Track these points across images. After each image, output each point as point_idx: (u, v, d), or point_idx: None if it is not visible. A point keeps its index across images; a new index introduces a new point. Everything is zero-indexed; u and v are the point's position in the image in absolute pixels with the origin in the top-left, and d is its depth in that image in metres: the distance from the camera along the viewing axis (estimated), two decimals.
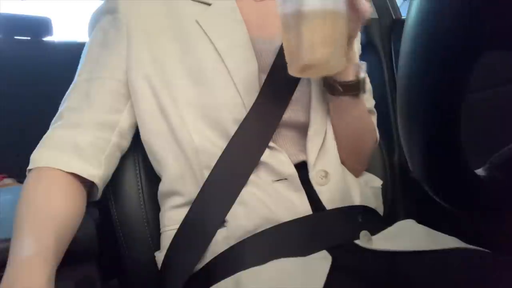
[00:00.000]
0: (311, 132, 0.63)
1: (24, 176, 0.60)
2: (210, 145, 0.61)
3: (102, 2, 0.69)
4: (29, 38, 2.00)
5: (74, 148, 0.60)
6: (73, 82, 0.66)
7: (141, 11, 0.65)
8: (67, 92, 0.66)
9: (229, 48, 0.62)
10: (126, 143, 0.68)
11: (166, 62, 0.63)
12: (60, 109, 0.65)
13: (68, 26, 3.24)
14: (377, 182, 0.73)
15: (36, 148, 0.61)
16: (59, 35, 2.13)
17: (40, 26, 2.03)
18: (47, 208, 0.55)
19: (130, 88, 0.64)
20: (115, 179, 0.71)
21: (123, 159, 0.71)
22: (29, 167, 0.60)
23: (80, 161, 0.60)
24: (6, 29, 1.96)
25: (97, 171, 0.62)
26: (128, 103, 0.65)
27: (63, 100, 0.66)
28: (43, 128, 0.65)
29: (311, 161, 0.62)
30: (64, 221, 0.55)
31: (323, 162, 0.62)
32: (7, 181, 1.47)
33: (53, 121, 0.65)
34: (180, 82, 0.62)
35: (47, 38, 2.04)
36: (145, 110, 0.64)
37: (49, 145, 0.61)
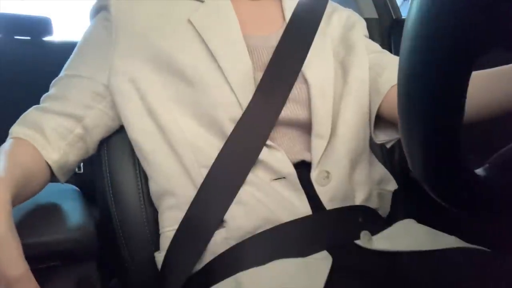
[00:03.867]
0: (315, 131, 0.63)
1: None
2: (206, 144, 0.60)
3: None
4: (29, 38, 2.00)
5: (40, 130, 0.64)
6: (61, 73, 0.69)
7: (132, 11, 0.65)
8: (54, 80, 0.69)
9: (222, 47, 0.62)
10: (90, 139, 0.69)
11: (157, 62, 0.63)
12: (47, 93, 0.69)
13: (68, 26, 3.25)
14: (391, 186, 0.72)
15: (16, 123, 0.66)
16: (59, 35, 2.12)
17: (40, 26, 2.02)
18: (15, 156, 0.58)
19: (114, 90, 0.65)
20: (115, 179, 0.71)
21: (123, 158, 0.71)
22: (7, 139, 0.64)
23: (44, 141, 0.64)
24: (6, 29, 1.96)
25: (53, 155, 0.64)
26: (103, 103, 0.67)
27: (50, 86, 0.69)
28: None
29: (314, 161, 0.62)
30: (28, 172, 0.58)
31: (327, 162, 0.62)
32: None
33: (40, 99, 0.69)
34: (172, 81, 0.62)
35: (47, 38, 2.04)
36: (131, 111, 0.64)
37: (23, 122, 0.66)
